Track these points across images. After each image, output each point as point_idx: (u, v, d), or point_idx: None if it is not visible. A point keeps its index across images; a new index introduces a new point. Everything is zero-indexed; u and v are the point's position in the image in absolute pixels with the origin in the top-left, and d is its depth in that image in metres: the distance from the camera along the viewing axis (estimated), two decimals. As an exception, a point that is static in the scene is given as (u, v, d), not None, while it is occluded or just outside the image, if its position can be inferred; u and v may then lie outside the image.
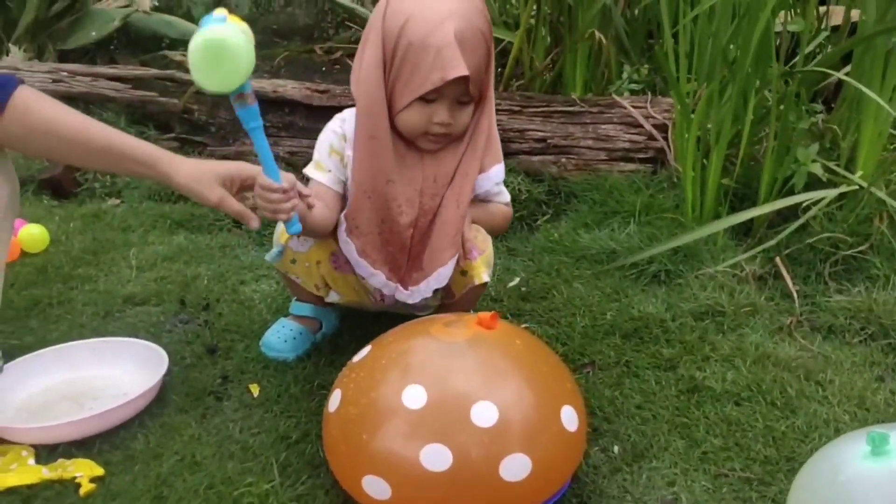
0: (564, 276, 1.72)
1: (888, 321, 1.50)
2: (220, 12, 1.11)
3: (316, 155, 1.38)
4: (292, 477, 1.17)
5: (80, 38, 3.09)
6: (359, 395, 1.09)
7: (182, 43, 3.40)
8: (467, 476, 1.01)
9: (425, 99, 1.27)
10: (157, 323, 1.57)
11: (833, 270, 1.65)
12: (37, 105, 1.25)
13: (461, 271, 1.39)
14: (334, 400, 1.12)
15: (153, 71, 2.34)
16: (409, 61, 1.25)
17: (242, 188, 1.26)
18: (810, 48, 1.89)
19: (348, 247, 1.38)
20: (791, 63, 1.91)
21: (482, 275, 1.39)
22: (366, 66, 1.30)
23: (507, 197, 1.47)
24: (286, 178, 1.20)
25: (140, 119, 2.35)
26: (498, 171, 1.40)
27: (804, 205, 1.68)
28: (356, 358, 1.17)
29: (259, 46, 1.16)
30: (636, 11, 2.37)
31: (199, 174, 1.22)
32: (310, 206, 1.27)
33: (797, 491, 0.98)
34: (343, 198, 1.38)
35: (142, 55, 3.25)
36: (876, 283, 1.60)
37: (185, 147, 2.32)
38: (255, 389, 1.37)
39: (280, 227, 1.42)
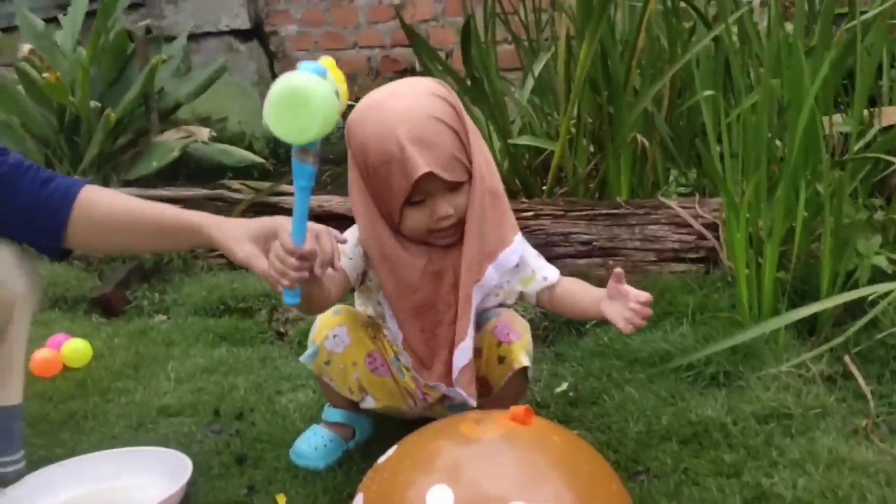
0: (615, 379, 1.62)
1: (977, 420, 1.35)
2: (325, 62, 1.09)
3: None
4: None
5: (142, 169, 3.21)
6: (381, 498, 1.00)
7: (241, 171, 3.50)
8: (500, 589, 0.90)
9: (414, 203, 1.25)
10: (188, 433, 1.53)
11: (909, 368, 1.52)
12: (99, 198, 1.32)
13: (498, 358, 1.32)
14: (357, 505, 1.04)
15: (203, 191, 2.40)
16: (381, 179, 1.24)
17: None
18: (861, 144, 1.82)
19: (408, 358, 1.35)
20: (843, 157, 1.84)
21: (521, 358, 1.31)
22: (351, 189, 1.30)
23: (555, 271, 1.40)
24: (311, 246, 1.16)
25: (190, 238, 2.38)
26: (519, 240, 1.34)
27: (870, 299, 1.57)
28: (381, 459, 1.09)
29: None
30: (680, 116, 2.35)
31: (233, 229, 1.25)
32: (334, 266, 1.21)
33: None
34: (350, 285, 1.35)
35: (202, 185, 3.35)
36: (956, 379, 1.45)
37: (234, 264, 2.33)
38: (281, 500, 1.29)
39: (316, 327, 1.38)
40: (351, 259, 1.33)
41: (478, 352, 1.33)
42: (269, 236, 1.22)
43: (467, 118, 1.29)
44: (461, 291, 1.30)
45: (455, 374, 1.30)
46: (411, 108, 1.24)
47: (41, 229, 1.30)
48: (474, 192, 1.28)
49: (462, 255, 1.29)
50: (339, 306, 1.39)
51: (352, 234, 1.34)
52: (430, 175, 1.22)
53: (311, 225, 1.17)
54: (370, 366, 1.37)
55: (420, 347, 1.34)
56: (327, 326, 1.36)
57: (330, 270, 1.21)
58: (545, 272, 1.39)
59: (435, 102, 1.25)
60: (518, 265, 1.35)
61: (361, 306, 1.43)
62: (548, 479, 0.98)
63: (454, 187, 1.26)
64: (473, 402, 1.31)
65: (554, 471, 1.00)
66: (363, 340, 1.37)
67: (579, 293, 1.38)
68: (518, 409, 1.05)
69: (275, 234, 1.20)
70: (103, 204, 1.31)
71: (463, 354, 1.30)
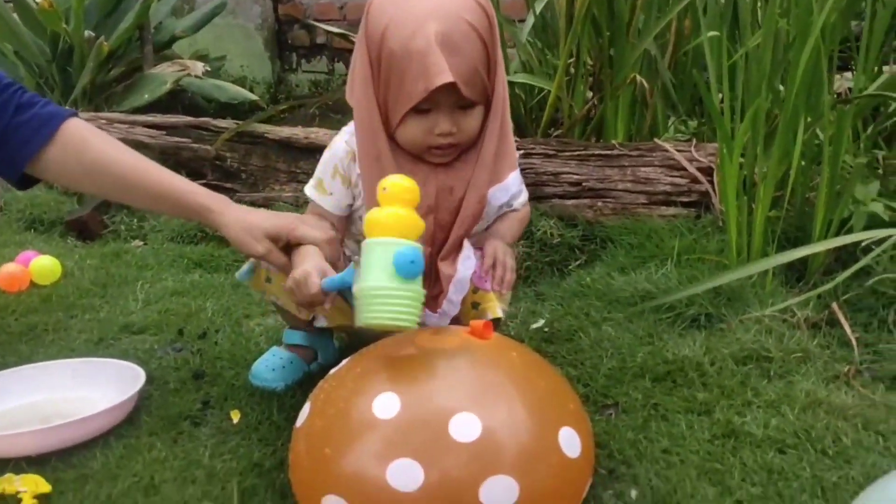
0: (593, 318, 1.56)
1: (966, 370, 1.29)
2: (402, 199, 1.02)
3: (319, 172, 1.27)
4: (254, 504, 1.03)
5: (134, 101, 3.15)
6: (327, 406, 0.96)
7: (235, 108, 3.43)
8: (440, 498, 0.86)
9: (419, 110, 1.15)
10: (148, 350, 1.48)
11: (899, 317, 1.46)
12: (93, 141, 1.26)
13: (472, 303, 1.26)
14: (303, 414, 0.99)
15: (187, 118, 2.33)
16: (393, 72, 1.14)
17: (289, 245, 1.20)
18: (868, 90, 1.74)
19: None
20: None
21: (496, 309, 1.25)
22: (357, 79, 1.20)
23: (525, 197, 1.35)
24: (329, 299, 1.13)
25: (173, 165, 2.31)
26: (514, 179, 1.26)
27: (864, 244, 1.50)
28: (333, 370, 1.04)
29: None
30: (685, 63, 2.26)
31: (248, 227, 1.19)
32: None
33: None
34: (345, 219, 1.28)
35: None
36: (950, 330, 1.39)
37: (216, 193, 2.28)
38: (235, 416, 1.25)
39: None
40: (332, 195, 1.26)
41: None
42: (282, 236, 1.18)
43: (498, 36, 1.20)
44: (463, 222, 1.22)
45: (450, 299, 1.24)
46: (446, 5, 1.13)
47: (2, 157, 1.23)
48: (494, 118, 1.20)
49: (470, 184, 1.22)
50: None
51: (325, 164, 1.27)
52: (450, 86, 1.11)
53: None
54: None
55: None
56: None
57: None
58: (525, 196, 1.35)
59: (471, 8, 1.15)
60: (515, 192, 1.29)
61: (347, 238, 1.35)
62: (500, 393, 0.94)
63: (465, 106, 1.17)
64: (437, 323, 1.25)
65: (508, 385, 0.95)
66: None
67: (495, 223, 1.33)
68: (477, 323, 1.01)
69: (288, 235, 1.18)
70: (96, 149, 1.24)
71: (461, 285, 1.23)
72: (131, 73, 3.37)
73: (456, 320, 1.28)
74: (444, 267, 1.21)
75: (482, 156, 1.22)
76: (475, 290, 1.26)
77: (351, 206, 1.27)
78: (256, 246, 1.18)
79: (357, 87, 1.20)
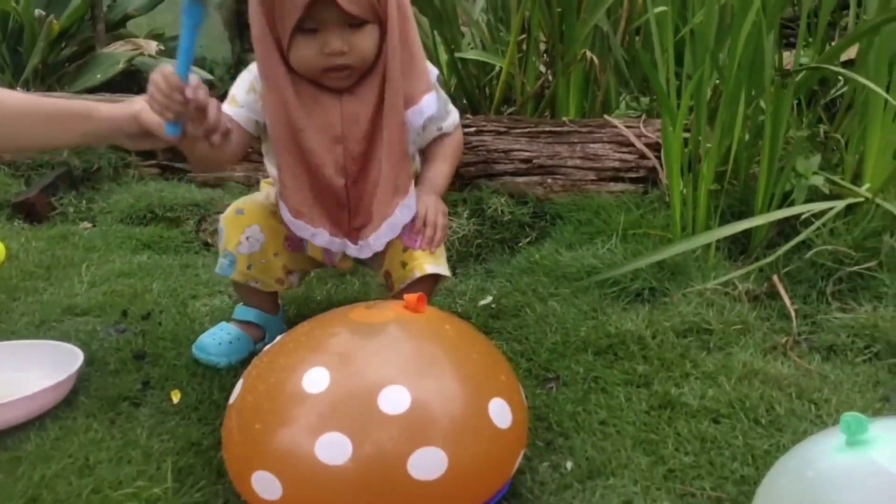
0: (540, 294, 1.57)
1: (897, 339, 1.32)
2: None
3: (233, 89, 1.28)
4: (189, 483, 1.03)
5: (86, 81, 3.09)
6: (258, 382, 0.95)
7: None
8: (369, 471, 0.86)
9: (306, 30, 1.15)
10: (91, 331, 1.46)
11: (836, 289, 1.48)
12: (3, 93, 1.23)
13: (401, 262, 1.27)
14: (236, 390, 0.99)
15: (136, 97, 2.28)
16: None
17: None
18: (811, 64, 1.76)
19: (283, 210, 1.27)
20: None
21: (423, 266, 1.25)
22: (250, 7, 1.19)
23: (454, 118, 1.35)
24: (194, 86, 1.05)
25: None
26: (429, 101, 1.25)
27: (803, 217, 1.52)
28: (267, 346, 1.04)
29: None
30: (637, 39, 2.27)
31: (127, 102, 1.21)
32: (224, 135, 1.13)
33: (759, 497, 0.81)
34: (251, 138, 1.28)
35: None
36: (883, 300, 1.42)
37: (166, 173, 2.25)
38: (175, 396, 1.24)
39: (225, 235, 1.31)
40: (242, 107, 1.25)
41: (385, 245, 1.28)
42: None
43: None
44: (391, 149, 1.22)
45: (378, 235, 1.26)
46: None
47: None
48: (391, 37, 1.18)
49: (386, 107, 1.21)
50: (239, 205, 1.32)
51: (242, 80, 1.27)
52: (331, 2, 1.11)
53: (195, 77, 1.08)
54: (289, 248, 1.35)
55: (312, 210, 1.27)
56: (237, 230, 1.30)
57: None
58: (454, 117, 1.36)
59: None
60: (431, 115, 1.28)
61: (269, 164, 1.35)
62: (431, 365, 0.94)
63: (355, 24, 1.16)
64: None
65: (440, 357, 0.95)
66: (276, 228, 1.31)
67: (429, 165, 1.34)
68: (411, 297, 1.01)
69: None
70: (4, 96, 1.23)
71: (393, 228, 1.25)
72: (84, 53, 3.31)
73: (388, 274, 1.29)
74: (381, 196, 1.22)
75: (389, 77, 1.20)
76: (404, 248, 1.27)
77: (256, 122, 1.27)
78: (132, 105, 1.19)
79: (251, 15, 1.19)
